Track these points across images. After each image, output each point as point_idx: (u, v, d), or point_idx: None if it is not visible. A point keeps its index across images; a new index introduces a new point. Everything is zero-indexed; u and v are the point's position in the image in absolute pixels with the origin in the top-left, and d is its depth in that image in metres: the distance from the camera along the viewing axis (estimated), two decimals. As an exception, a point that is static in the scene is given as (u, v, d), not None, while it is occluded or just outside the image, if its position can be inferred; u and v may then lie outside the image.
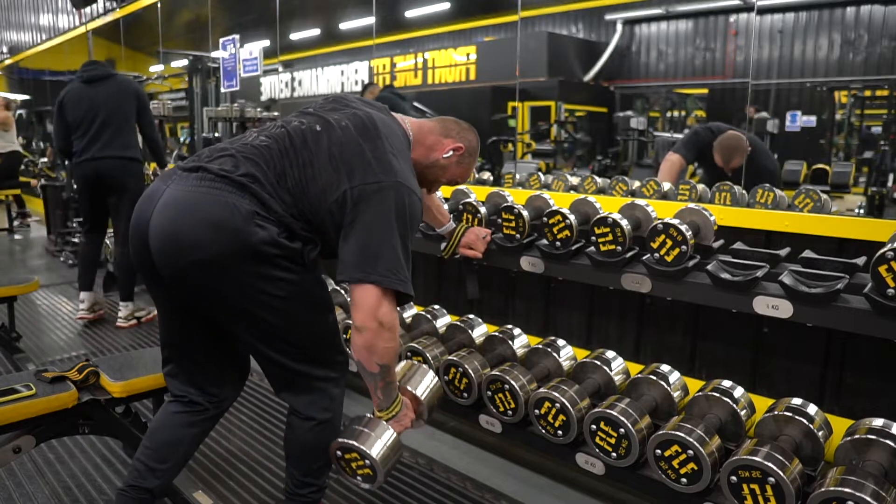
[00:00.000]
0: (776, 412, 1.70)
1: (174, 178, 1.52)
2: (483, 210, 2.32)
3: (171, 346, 1.70)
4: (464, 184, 2.20)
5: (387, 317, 1.51)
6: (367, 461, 1.63)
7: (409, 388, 1.87)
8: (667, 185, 3.05)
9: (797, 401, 1.75)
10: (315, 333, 1.65)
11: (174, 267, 1.47)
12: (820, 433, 1.64)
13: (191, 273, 1.47)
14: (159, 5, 6.29)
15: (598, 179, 3.30)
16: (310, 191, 1.52)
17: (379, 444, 1.64)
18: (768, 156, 3.54)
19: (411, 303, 2.78)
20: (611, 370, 2.05)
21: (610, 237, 1.89)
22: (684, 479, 1.63)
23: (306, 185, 1.52)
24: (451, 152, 1.77)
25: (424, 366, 1.96)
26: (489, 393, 2.07)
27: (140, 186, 3.74)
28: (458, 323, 2.47)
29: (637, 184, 3.17)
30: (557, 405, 1.88)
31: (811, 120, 6.67)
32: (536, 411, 1.94)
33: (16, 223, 7.84)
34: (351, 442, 1.63)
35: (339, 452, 1.68)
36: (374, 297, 1.49)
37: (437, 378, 1.95)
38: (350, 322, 2.54)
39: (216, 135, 5.30)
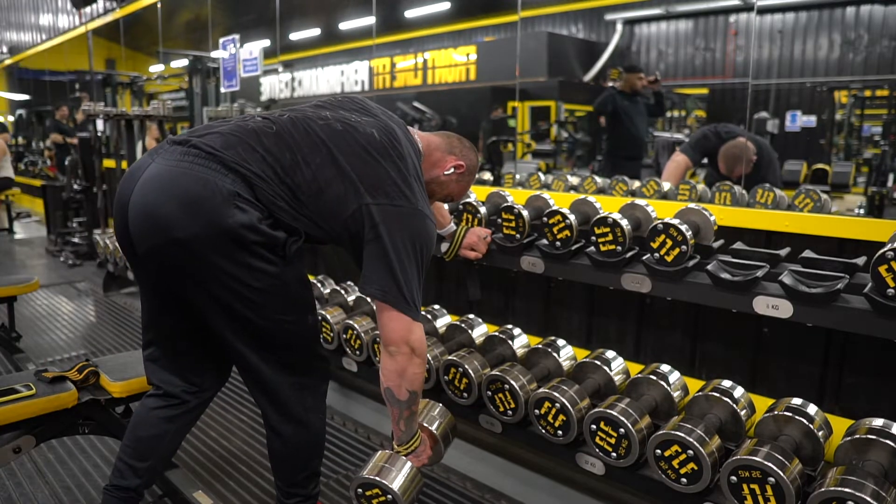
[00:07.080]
0: (776, 412, 1.70)
1: (160, 152, 1.48)
2: (483, 210, 2.31)
3: (152, 328, 1.66)
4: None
5: (418, 343, 1.55)
6: (388, 495, 1.64)
7: (425, 424, 1.90)
8: (667, 185, 3.05)
9: (797, 401, 1.74)
10: (291, 333, 1.59)
11: (149, 245, 1.43)
12: (820, 433, 1.64)
13: (165, 252, 1.42)
14: (159, 5, 6.29)
15: (598, 179, 3.30)
16: (326, 194, 1.50)
17: (399, 477, 1.66)
18: (773, 161, 3.49)
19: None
20: (611, 370, 2.05)
21: (610, 237, 1.89)
22: (684, 479, 1.63)
23: (325, 185, 1.50)
24: (452, 169, 1.78)
25: (440, 405, 2.01)
26: (489, 393, 2.07)
27: None
28: (458, 323, 2.47)
29: (637, 184, 3.17)
30: (557, 405, 1.88)
31: (811, 120, 6.67)
32: (536, 411, 1.94)
33: None
34: (372, 478, 1.64)
35: (359, 490, 1.68)
36: (406, 322, 1.52)
37: (450, 415, 2.00)
38: (350, 323, 2.55)
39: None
